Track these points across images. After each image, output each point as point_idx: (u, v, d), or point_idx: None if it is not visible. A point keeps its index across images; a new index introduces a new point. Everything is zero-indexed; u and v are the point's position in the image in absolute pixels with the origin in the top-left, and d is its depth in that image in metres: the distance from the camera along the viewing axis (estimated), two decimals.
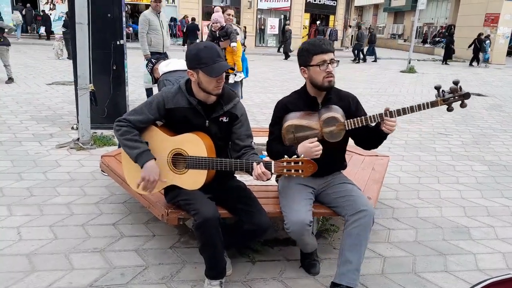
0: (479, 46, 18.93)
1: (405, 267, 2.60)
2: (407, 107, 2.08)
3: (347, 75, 13.54)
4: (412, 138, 5.88)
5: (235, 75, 5.47)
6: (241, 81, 5.72)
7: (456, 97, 2.04)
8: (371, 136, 2.27)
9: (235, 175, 2.50)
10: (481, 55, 19.17)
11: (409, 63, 15.70)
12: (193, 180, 2.15)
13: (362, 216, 2.14)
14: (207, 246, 2.13)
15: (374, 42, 19.67)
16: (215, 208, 2.12)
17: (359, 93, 9.88)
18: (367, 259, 2.64)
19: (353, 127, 2.15)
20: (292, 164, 1.94)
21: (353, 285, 2.13)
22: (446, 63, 19.66)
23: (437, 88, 2.06)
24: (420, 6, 15.49)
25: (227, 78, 5.44)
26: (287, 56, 18.90)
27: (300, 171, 1.94)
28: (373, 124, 2.20)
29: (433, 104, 2.07)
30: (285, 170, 1.96)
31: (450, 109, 2.09)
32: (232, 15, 5.56)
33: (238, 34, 5.47)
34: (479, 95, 10.41)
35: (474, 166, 4.72)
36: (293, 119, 2.24)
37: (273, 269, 2.49)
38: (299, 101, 2.34)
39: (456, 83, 2.03)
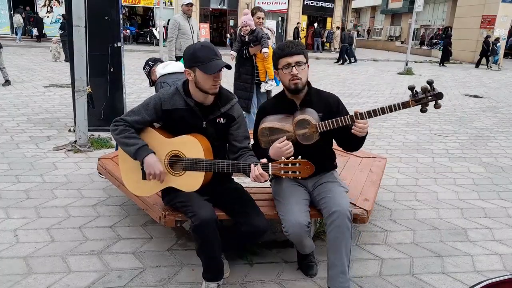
0: (487, 48, 19.00)
1: (402, 269, 2.60)
2: (378, 109, 2.04)
3: (344, 77, 13.58)
4: (409, 139, 5.89)
5: (266, 83, 5.01)
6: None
7: (429, 97, 1.98)
8: (348, 138, 2.24)
9: (232, 177, 2.51)
10: (490, 58, 19.28)
11: (407, 65, 15.75)
12: (190, 182, 2.15)
13: (335, 218, 2.12)
14: (204, 248, 2.13)
15: (351, 44, 19.61)
16: (212, 210, 2.12)
17: (357, 95, 9.92)
18: (364, 261, 2.65)
19: (325, 129, 2.13)
20: (290, 165, 1.94)
21: (344, 287, 2.14)
22: (443, 65, 19.71)
23: (411, 88, 2.00)
24: (417, 8, 15.56)
25: (258, 86, 5.08)
26: None
27: (297, 173, 1.94)
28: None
29: (405, 104, 2.01)
30: (282, 172, 1.96)
31: (423, 110, 2.04)
32: (263, 18, 5.00)
33: (269, 38, 4.93)
34: (475, 96, 10.44)
35: (471, 167, 4.74)
36: (267, 122, 2.24)
37: (271, 271, 2.49)
38: (279, 104, 2.34)
39: (430, 82, 1.97)
